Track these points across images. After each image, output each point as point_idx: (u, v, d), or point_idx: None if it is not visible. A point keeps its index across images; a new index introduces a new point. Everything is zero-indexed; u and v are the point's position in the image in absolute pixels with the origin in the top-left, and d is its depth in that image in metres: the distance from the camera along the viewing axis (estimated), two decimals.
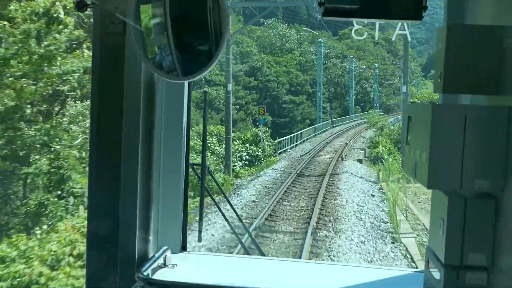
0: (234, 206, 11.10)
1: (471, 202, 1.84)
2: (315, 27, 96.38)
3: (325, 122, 69.96)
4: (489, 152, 1.78)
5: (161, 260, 2.55)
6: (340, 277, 2.66)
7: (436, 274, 1.97)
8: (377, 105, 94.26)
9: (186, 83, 2.61)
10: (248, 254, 3.18)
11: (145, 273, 2.33)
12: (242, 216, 18.84)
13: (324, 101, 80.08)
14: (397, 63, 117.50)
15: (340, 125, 73.13)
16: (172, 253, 2.65)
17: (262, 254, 3.09)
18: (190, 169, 2.78)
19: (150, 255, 2.50)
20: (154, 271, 2.46)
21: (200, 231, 3.18)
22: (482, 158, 1.78)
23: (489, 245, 1.82)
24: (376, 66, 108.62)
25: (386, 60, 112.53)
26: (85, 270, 2.44)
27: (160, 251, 2.57)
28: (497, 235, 1.81)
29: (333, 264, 3.19)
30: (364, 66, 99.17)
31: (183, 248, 2.76)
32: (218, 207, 3.59)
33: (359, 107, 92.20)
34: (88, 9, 2.25)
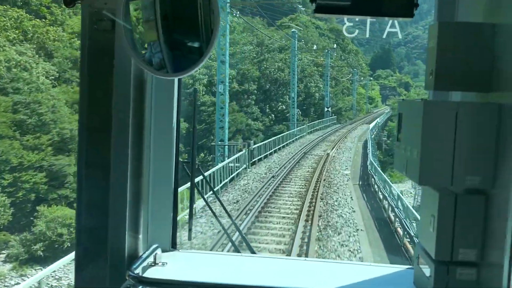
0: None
1: (462, 198, 1.86)
2: (247, 13, 78.91)
3: (276, 134, 53.24)
4: (480, 149, 1.80)
5: (151, 259, 2.54)
6: (330, 274, 2.66)
7: (427, 270, 1.98)
8: (329, 109, 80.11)
9: (176, 80, 2.61)
10: (238, 252, 3.21)
11: (135, 272, 2.31)
12: None
13: (257, 102, 68.79)
14: (346, 59, 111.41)
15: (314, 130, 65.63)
16: (162, 251, 2.65)
17: (253, 252, 3.12)
18: (180, 167, 2.78)
19: (140, 253, 2.49)
20: (144, 269, 2.46)
21: (190, 229, 3.20)
22: (472, 154, 1.80)
23: (479, 241, 1.84)
24: (335, 47, 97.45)
25: (334, 54, 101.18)
26: (75, 269, 2.40)
27: (150, 249, 2.56)
28: (487, 231, 1.82)
29: (323, 261, 3.23)
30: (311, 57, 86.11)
31: (173, 246, 2.76)
32: (208, 205, 3.55)
33: (299, 111, 73.22)
34: (76, 5, 2.23)
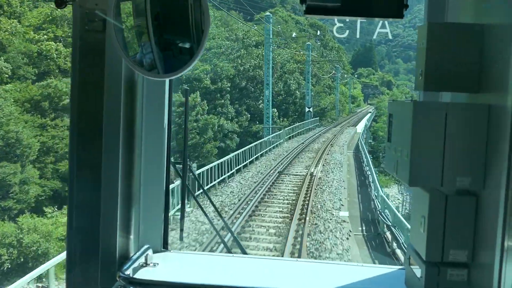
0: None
1: (452, 199, 1.87)
2: (222, 7, 72.91)
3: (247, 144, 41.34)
4: (470, 150, 1.80)
5: (142, 259, 2.53)
6: (322, 274, 2.68)
7: (417, 271, 2.00)
8: (310, 109, 71.47)
9: (167, 81, 2.60)
10: (230, 252, 3.20)
11: (126, 273, 2.31)
12: None
13: (232, 102, 60.69)
14: (328, 56, 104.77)
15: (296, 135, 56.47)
16: (154, 252, 2.63)
17: (244, 253, 3.11)
18: (172, 168, 2.77)
19: (131, 254, 2.49)
20: (135, 270, 2.44)
21: (181, 230, 3.18)
22: (462, 155, 1.81)
23: (470, 242, 1.85)
24: (318, 37, 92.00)
25: (314, 51, 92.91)
26: (65, 269, 2.41)
27: (141, 250, 2.54)
28: (478, 232, 1.83)
29: (315, 261, 3.41)
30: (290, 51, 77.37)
31: (165, 246, 2.74)
32: (200, 206, 3.60)
33: (275, 111, 64.82)
34: (67, 6, 2.23)
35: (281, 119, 68.80)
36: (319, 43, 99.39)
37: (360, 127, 71.32)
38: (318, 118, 77.01)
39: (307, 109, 72.23)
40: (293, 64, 76.93)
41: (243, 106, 64.23)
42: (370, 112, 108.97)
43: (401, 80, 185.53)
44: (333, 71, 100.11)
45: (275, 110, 65.67)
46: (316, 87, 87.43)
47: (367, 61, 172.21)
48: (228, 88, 61.91)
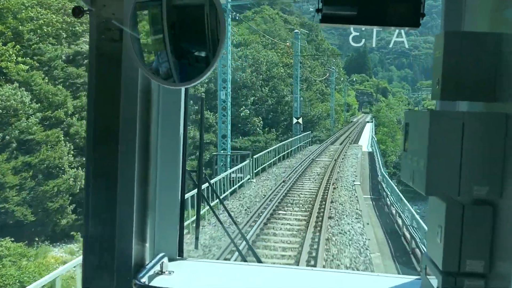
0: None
1: (469, 208, 1.85)
2: None
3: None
4: (487, 159, 1.79)
5: (157, 267, 2.53)
6: (337, 284, 2.67)
7: (434, 281, 1.98)
8: (299, 120, 56.23)
9: (183, 89, 2.62)
10: (245, 261, 3.18)
11: (142, 280, 2.31)
12: None
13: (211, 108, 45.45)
14: (320, 58, 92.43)
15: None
16: (169, 260, 2.63)
17: (259, 261, 3.16)
18: (187, 176, 2.77)
19: (147, 262, 2.49)
20: (151, 278, 2.45)
21: (197, 238, 3.20)
22: (480, 164, 1.80)
23: (487, 252, 1.84)
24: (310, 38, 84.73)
25: (305, 53, 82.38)
26: (81, 277, 2.42)
27: (157, 258, 2.55)
28: (495, 241, 1.82)
29: (330, 271, 3.34)
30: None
31: (180, 255, 2.75)
32: (215, 214, 3.84)
33: (259, 119, 54.76)
34: (84, 15, 2.25)
35: (267, 129, 57.09)
36: (306, 43, 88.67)
37: (364, 143, 59.43)
38: (309, 132, 60.55)
39: (295, 120, 56.09)
40: (280, 69, 64.53)
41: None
42: (369, 121, 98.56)
43: (396, 88, 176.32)
44: (327, 73, 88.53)
45: (258, 119, 55.62)
46: (308, 93, 75.21)
47: (361, 67, 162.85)
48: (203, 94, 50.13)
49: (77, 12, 2.22)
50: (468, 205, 1.87)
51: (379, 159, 43.80)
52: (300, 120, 56.99)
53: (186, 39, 2.09)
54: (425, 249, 2.15)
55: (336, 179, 29.81)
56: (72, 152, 30.64)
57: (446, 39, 1.86)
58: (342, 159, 41.16)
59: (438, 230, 1.93)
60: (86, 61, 33.21)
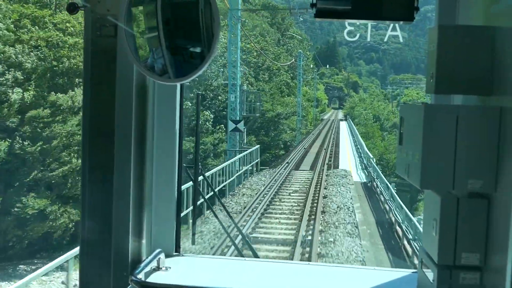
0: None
1: (464, 202, 1.87)
2: None
3: None
4: (481, 152, 1.80)
5: (154, 263, 2.54)
6: (334, 278, 2.66)
7: (430, 274, 1.99)
8: (240, 125, 35.42)
9: (178, 85, 2.62)
10: (242, 256, 3.24)
11: (139, 276, 2.32)
12: None
13: None
14: (286, 44, 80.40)
15: None
16: (166, 256, 2.64)
17: (256, 256, 3.12)
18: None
19: (144, 258, 2.50)
20: (147, 274, 2.45)
21: (193, 234, 3.31)
22: (474, 158, 1.81)
23: (482, 244, 1.85)
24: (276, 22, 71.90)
25: (268, 37, 69.92)
26: (78, 273, 2.42)
27: (154, 254, 2.55)
28: (490, 234, 1.83)
29: (326, 265, 3.29)
30: None
31: (177, 250, 2.75)
32: (211, 209, 4.16)
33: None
34: (79, 11, 2.26)
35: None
36: (274, 28, 76.47)
37: (347, 157, 40.67)
38: (257, 147, 37.99)
39: (231, 125, 35.13)
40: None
41: None
42: (343, 119, 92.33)
43: (366, 83, 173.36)
44: (293, 59, 72.18)
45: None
46: (269, 85, 58.56)
47: (330, 60, 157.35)
48: None
49: (72, 8, 2.24)
50: (463, 198, 1.88)
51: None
52: (242, 125, 35.82)
53: (181, 35, 2.11)
54: (421, 243, 2.14)
55: None
56: None
57: (440, 33, 1.85)
58: (322, 228, 18.68)
59: (433, 223, 1.93)
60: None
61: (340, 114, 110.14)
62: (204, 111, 40.70)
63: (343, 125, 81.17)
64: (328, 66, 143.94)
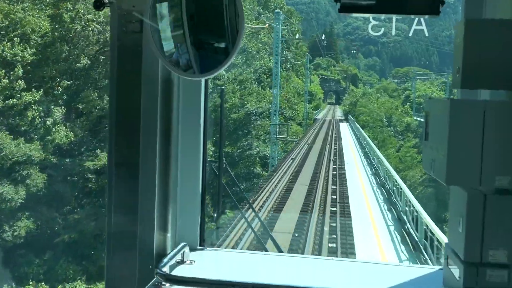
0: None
1: (491, 198, 1.85)
2: None
3: None
4: (509, 148, 1.78)
5: (179, 257, 2.56)
6: (359, 274, 2.66)
7: (456, 271, 1.98)
8: None
9: (203, 80, 2.64)
10: (266, 250, 3.35)
11: (164, 269, 2.33)
12: None
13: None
14: (269, 21, 58.21)
15: None
16: (190, 249, 2.66)
17: (280, 251, 3.14)
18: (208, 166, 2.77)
19: (168, 251, 2.53)
20: (172, 267, 2.48)
21: (218, 228, 3.34)
22: (501, 154, 1.79)
23: (510, 242, 1.83)
24: None
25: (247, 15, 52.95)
26: (105, 266, 2.46)
27: (178, 248, 2.58)
28: None
29: (351, 260, 3.45)
30: None
31: (201, 244, 2.77)
32: (236, 204, 3.90)
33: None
34: (105, 8, 2.27)
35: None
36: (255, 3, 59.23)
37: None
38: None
39: None
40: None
41: None
42: (342, 119, 75.75)
43: (365, 77, 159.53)
44: (266, 23, 54.77)
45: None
46: (242, 75, 43.66)
47: (327, 50, 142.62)
48: None
49: (98, 4, 2.24)
50: (490, 195, 1.85)
51: None
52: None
53: (205, 30, 2.11)
54: (447, 240, 2.13)
55: None
56: None
57: (467, 27, 1.84)
58: None
59: (459, 220, 1.92)
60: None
61: (339, 112, 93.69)
62: None
63: (345, 130, 61.67)
64: (323, 54, 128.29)
